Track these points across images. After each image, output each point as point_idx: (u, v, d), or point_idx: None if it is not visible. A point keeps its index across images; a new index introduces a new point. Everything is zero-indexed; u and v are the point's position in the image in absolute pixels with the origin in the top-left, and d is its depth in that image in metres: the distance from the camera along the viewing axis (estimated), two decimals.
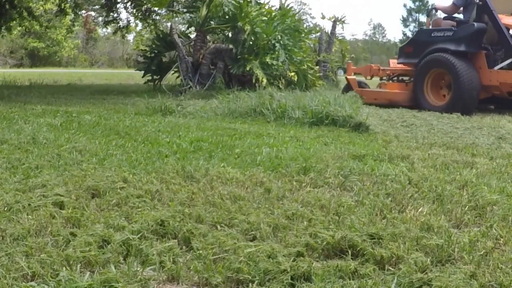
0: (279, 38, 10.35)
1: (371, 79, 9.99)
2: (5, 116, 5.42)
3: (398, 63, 9.27)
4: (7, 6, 14.15)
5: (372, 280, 1.72)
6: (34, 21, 16.32)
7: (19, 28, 19.98)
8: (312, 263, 1.81)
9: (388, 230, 2.13)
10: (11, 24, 15.90)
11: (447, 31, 8.23)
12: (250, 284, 1.70)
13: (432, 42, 8.33)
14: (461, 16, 8.66)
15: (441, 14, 9.31)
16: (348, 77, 9.73)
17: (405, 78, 9.33)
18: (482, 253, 1.95)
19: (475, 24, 7.94)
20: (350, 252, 1.93)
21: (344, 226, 2.20)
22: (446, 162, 3.65)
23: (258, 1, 11.41)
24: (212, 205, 2.47)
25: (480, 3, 8.05)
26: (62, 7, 16.02)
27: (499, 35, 7.91)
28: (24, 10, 14.88)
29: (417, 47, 8.53)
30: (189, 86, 10.06)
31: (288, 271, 1.74)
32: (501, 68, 7.82)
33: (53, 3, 17.38)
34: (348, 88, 9.51)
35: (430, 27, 8.87)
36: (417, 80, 8.37)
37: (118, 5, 16.44)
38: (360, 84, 9.55)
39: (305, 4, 66.87)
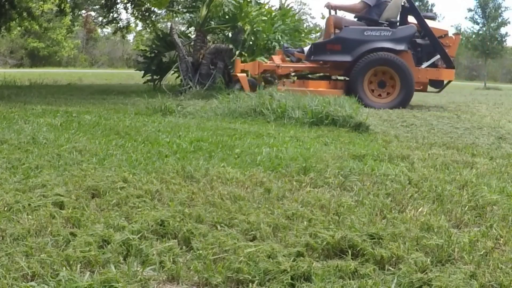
0: (279, 38, 10.36)
1: (259, 76, 9.37)
2: (5, 116, 5.41)
3: (313, 60, 8.92)
4: (7, 6, 14.16)
5: (372, 280, 1.72)
6: (34, 22, 16.33)
7: (19, 28, 19.99)
8: (312, 263, 1.81)
9: (388, 230, 2.13)
10: (11, 24, 15.90)
11: (383, 31, 8.44)
12: (250, 284, 1.70)
13: (367, 41, 8.41)
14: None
15: (339, 13, 9.40)
16: (239, 74, 9.06)
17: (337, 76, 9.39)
18: (482, 253, 1.95)
19: (414, 26, 8.50)
20: (350, 252, 1.92)
21: (344, 226, 2.20)
22: (446, 162, 3.65)
23: (258, 1, 11.42)
24: (212, 205, 2.47)
25: (407, 5, 8.55)
26: (62, 7, 16.03)
27: (427, 35, 8.56)
28: (23, 11, 14.88)
29: (347, 45, 8.49)
30: (189, 86, 10.04)
31: (288, 271, 1.74)
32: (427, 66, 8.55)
33: (53, 3, 17.38)
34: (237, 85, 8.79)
35: (332, 25, 8.85)
36: (355, 78, 8.37)
37: (118, 5, 16.45)
38: (253, 83, 8.94)
39: (305, 4, 66.85)
